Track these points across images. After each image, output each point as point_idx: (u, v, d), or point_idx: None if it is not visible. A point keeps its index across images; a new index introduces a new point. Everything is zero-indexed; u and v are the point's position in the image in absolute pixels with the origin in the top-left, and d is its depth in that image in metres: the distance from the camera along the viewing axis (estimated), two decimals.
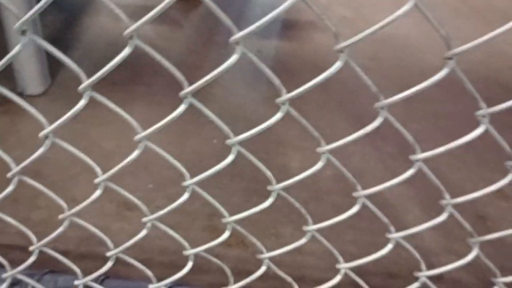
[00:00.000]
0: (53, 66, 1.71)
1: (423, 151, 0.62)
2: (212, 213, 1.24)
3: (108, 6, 0.52)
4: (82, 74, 0.58)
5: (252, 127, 0.63)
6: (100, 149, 1.43)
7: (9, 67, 0.56)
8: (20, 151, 1.40)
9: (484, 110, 0.56)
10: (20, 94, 1.55)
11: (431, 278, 0.81)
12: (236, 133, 0.63)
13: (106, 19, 2.19)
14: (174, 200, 0.71)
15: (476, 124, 0.59)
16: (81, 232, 1.16)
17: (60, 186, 1.30)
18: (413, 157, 0.63)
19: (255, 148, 1.41)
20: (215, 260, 0.83)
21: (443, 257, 1.18)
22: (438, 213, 0.69)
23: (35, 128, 1.47)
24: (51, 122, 0.65)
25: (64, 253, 1.11)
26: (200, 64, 1.86)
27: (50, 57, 1.65)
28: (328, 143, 0.63)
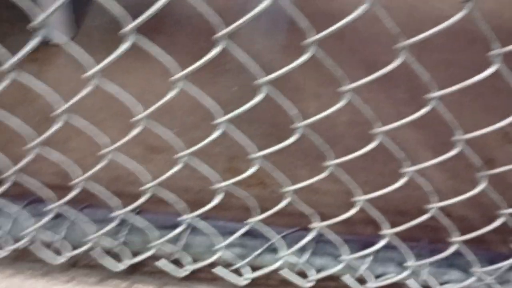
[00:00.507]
0: (78, 16, 1.75)
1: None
2: (233, 156, 1.31)
3: None
4: (127, 17, 0.63)
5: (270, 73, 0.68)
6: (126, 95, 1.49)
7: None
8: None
9: (498, 50, 0.61)
10: (47, 44, 1.60)
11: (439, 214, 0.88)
12: (254, 80, 0.68)
13: None
14: (198, 143, 0.77)
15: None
16: (110, 173, 1.24)
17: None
18: (427, 96, 0.68)
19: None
20: (242, 193, 0.90)
21: (451, 197, 1.25)
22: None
23: (63, 75, 1.53)
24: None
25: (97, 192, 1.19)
26: (227, 8, 1.89)
27: (75, 6, 1.68)
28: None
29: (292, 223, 1.15)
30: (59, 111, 0.74)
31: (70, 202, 0.94)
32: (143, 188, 0.89)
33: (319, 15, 1.98)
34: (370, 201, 0.87)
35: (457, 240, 0.88)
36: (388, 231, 0.89)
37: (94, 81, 0.68)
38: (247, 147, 0.79)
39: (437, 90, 0.67)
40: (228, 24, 0.63)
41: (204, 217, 0.98)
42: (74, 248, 0.98)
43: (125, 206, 0.94)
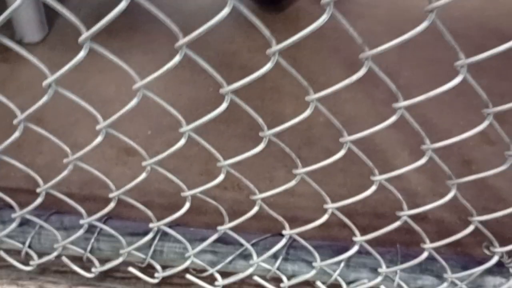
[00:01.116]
0: (50, 14, 1.71)
1: (414, 96, 0.66)
2: (209, 158, 1.29)
3: None
4: (81, 26, 0.60)
5: (248, 74, 0.66)
6: (99, 96, 1.46)
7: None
8: (21, 99, 1.43)
9: (462, 61, 0.60)
10: (19, 42, 1.56)
11: (414, 217, 0.87)
12: (232, 80, 0.66)
13: None
14: (173, 146, 0.75)
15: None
16: (83, 176, 1.22)
17: (61, 132, 1.34)
18: (395, 105, 0.67)
19: (250, 94, 1.45)
20: (211, 200, 0.88)
21: (429, 198, 1.24)
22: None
23: (34, 75, 1.50)
24: (50, 69, 0.67)
25: (68, 196, 1.17)
26: (196, 12, 1.87)
27: (47, 5, 1.65)
28: (321, 89, 0.67)
29: (267, 226, 1.13)
30: (18, 119, 0.72)
31: (40, 208, 0.92)
32: (110, 195, 0.87)
33: (301, 15, 1.96)
34: (345, 205, 0.86)
35: (429, 247, 0.87)
36: (360, 238, 0.88)
37: (51, 90, 0.66)
38: (214, 154, 0.77)
39: (402, 101, 0.65)
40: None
41: (176, 223, 0.97)
42: (42, 255, 0.96)
43: (97, 210, 0.92)
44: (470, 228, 0.84)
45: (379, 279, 0.93)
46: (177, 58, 0.62)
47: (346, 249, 0.93)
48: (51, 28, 1.69)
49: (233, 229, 0.91)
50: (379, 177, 0.78)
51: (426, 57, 1.72)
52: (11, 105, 0.71)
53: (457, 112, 1.49)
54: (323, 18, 0.55)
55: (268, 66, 0.62)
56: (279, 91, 1.53)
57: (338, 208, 0.86)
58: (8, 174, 1.20)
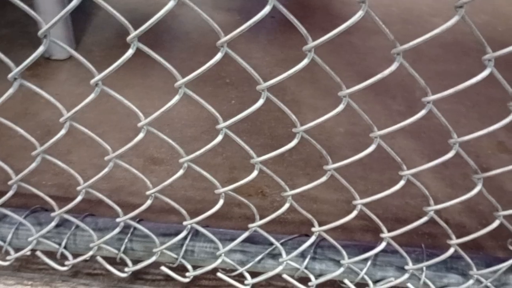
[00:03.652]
0: (77, 32, 1.78)
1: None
2: (233, 167, 1.33)
3: None
4: (129, 26, 0.65)
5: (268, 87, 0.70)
6: (125, 109, 1.51)
7: (35, 32, 0.62)
8: (50, 111, 1.48)
9: (490, 55, 0.64)
10: (48, 59, 1.62)
11: (437, 222, 0.89)
12: (253, 93, 0.70)
13: None
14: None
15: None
16: (111, 185, 1.25)
17: (90, 143, 1.38)
18: (424, 99, 0.71)
19: (271, 107, 1.48)
20: (241, 198, 0.91)
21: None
22: (444, 166, 0.77)
23: (63, 90, 1.55)
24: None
25: (98, 202, 1.21)
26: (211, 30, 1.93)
27: (74, 23, 1.72)
28: (339, 101, 0.71)
29: (292, 232, 1.16)
30: (64, 118, 0.76)
31: (73, 212, 0.95)
32: (147, 193, 0.90)
33: (319, 25, 2.02)
34: (368, 208, 0.88)
35: (454, 243, 0.89)
36: (387, 234, 0.91)
37: (96, 89, 0.70)
38: (247, 151, 0.80)
39: (431, 95, 0.69)
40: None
41: (205, 225, 0.99)
42: (77, 256, 0.99)
43: (127, 215, 0.96)
44: (496, 223, 0.87)
45: (405, 276, 0.95)
46: (218, 56, 0.66)
47: (372, 249, 0.95)
48: (78, 45, 1.75)
49: (261, 229, 0.94)
50: (407, 172, 0.81)
51: (439, 71, 1.76)
52: (58, 105, 0.75)
53: (473, 122, 1.52)
54: (359, 14, 0.59)
55: (305, 61, 0.66)
56: (299, 103, 1.57)
57: (362, 215, 0.88)
58: (40, 182, 1.24)
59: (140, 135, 0.77)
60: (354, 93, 0.71)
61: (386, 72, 0.66)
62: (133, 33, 0.65)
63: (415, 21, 2.05)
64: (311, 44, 0.65)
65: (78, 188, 0.88)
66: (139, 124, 0.76)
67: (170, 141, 0.80)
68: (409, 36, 1.97)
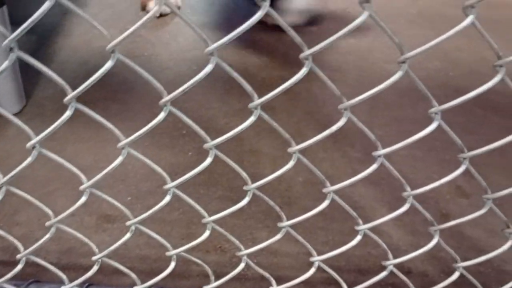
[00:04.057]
0: (27, 86, 1.73)
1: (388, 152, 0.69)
2: (190, 222, 1.28)
3: (80, 27, 0.57)
4: (67, 87, 0.62)
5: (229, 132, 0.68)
6: (77, 165, 1.46)
7: None
8: None
9: (436, 108, 0.63)
10: None
11: (399, 270, 0.87)
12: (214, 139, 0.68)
13: (78, 39, 2.22)
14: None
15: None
16: (60, 246, 1.19)
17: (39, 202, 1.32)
18: (375, 153, 0.69)
19: (229, 157, 1.46)
20: (196, 260, 0.87)
21: (411, 252, 1.25)
22: (404, 212, 0.76)
23: (12, 146, 1.49)
24: (29, 139, 0.68)
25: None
26: (173, 79, 1.92)
27: (24, 77, 1.68)
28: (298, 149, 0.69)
29: None
30: (1, 181, 0.71)
31: (16, 278, 0.89)
32: (93, 258, 0.85)
33: (273, 77, 2.03)
34: (330, 260, 0.86)
35: None
36: None
37: (35, 151, 0.66)
38: (198, 210, 0.77)
39: (382, 148, 0.68)
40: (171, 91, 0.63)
41: (159, 287, 0.95)
42: None
43: (76, 279, 0.90)
44: (455, 275, 0.85)
45: None
46: (162, 115, 0.63)
47: None
48: (29, 100, 1.70)
49: None
50: (363, 226, 0.79)
51: (396, 116, 1.78)
52: None
53: (431, 167, 1.53)
54: (303, 70, 0.58)
55: (251, 119, 0.64)
56: (257, 153, 1.55)
57: (321, 264, 0.85)
58: None
59: (83, 199, 0.73)
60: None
61: (334, 128, 0.64)
62: (70, 95, 0.62)
63: (370, 68, 2.09)
64: (257, 101, 0.63)
65: (18, 256, 0.83)
66: (81, 188, 0.72)
67: (116, 202, 0.76)
68: (364, 84, 2.01)
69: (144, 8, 2.56)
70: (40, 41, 2.19)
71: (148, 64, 2.04)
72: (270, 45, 2.30)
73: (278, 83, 1.96)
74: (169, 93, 0.63)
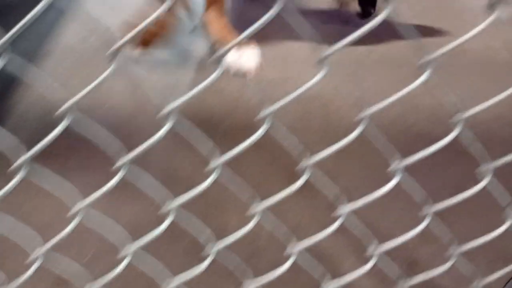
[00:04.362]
0: None
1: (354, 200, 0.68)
2: (152, 282, 1.24)
3: (40, 80, 0.56)
4: (21, 147, 0.60)
5: (193, 187, 0.66)
6: (36, 222, 1.40)
7: None
8: None
9: (395, 165, 0.63)
10: None
11: None
12: (177, 195, 0.66)
13: (38, 91, 2.18)
14: (113, 271, 0.72)
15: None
16: None
17: None
18: (337, 213, 0.69)
19: (193, 210, 1.43)
20: None
21: None
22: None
23: None
24: None
25: None
26: (133, 133, 1.89)
27: None
28: (264, 198, 0.68)
29: None
30: None
31: None
32: None
33: (238, 127, 2.03)
34: None
35: None
36: None
37: None
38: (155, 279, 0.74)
39: (346, 203, 0.67)
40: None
41: None
42: None
43: None
44: None
45: None
46: (119, 174, 0.61)
47: None
48: None
49: None
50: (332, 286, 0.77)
51: (360, 165, 1.79)
52: None
53: (399, 213, 1.53)
54: (264, 127, 0.58)
55: (210, 180, 0.63)
56: (222, 204, 1.52)
57: None
58: None
59: (36, 264, 0.69)
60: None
61: (298, 184, 0.63)
62: (22, 158, 0.59)
63: (334, 117, 2.11)
64: (219, 160, 0.62)
65: None
66: (34, 254, 0.69)
67: (73, 266, 0.73)
68: (330, 134, 2.02)
69: (145, 44, 2.18)
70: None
71: (111, 117, 2.01)
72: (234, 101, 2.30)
73: (241, 133, 1.95)
74: (129, 148, 0.61)
